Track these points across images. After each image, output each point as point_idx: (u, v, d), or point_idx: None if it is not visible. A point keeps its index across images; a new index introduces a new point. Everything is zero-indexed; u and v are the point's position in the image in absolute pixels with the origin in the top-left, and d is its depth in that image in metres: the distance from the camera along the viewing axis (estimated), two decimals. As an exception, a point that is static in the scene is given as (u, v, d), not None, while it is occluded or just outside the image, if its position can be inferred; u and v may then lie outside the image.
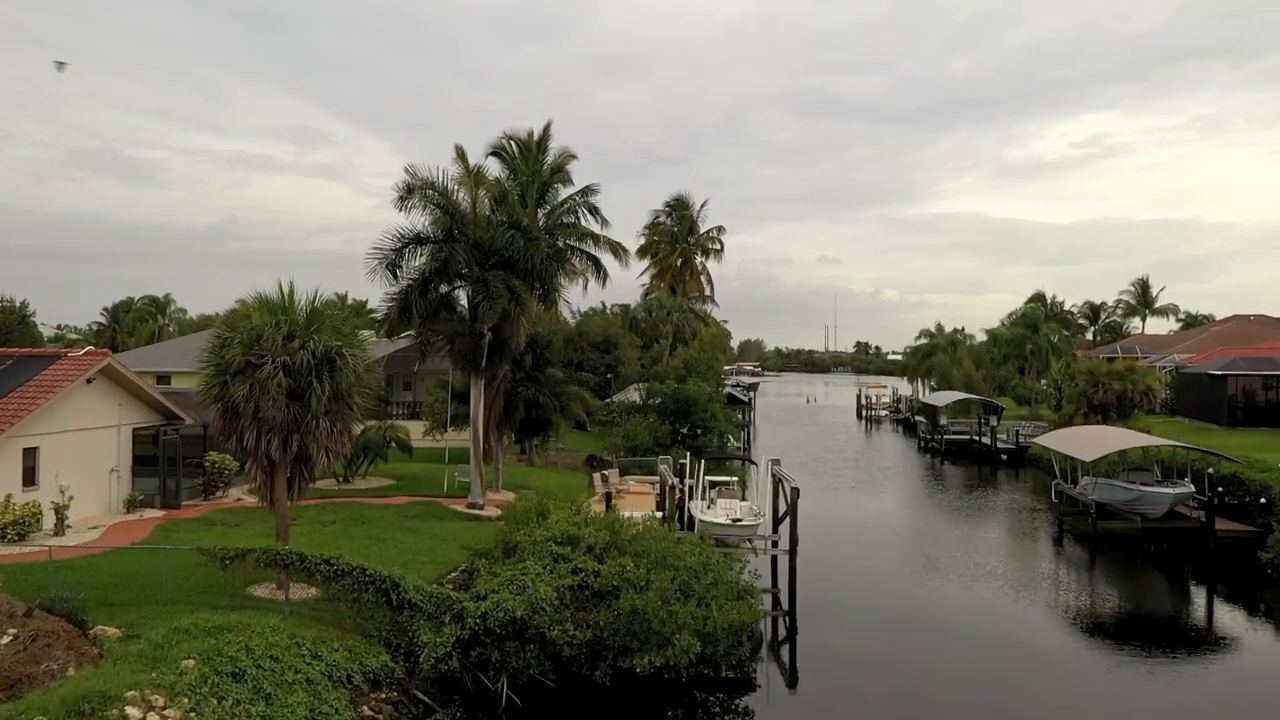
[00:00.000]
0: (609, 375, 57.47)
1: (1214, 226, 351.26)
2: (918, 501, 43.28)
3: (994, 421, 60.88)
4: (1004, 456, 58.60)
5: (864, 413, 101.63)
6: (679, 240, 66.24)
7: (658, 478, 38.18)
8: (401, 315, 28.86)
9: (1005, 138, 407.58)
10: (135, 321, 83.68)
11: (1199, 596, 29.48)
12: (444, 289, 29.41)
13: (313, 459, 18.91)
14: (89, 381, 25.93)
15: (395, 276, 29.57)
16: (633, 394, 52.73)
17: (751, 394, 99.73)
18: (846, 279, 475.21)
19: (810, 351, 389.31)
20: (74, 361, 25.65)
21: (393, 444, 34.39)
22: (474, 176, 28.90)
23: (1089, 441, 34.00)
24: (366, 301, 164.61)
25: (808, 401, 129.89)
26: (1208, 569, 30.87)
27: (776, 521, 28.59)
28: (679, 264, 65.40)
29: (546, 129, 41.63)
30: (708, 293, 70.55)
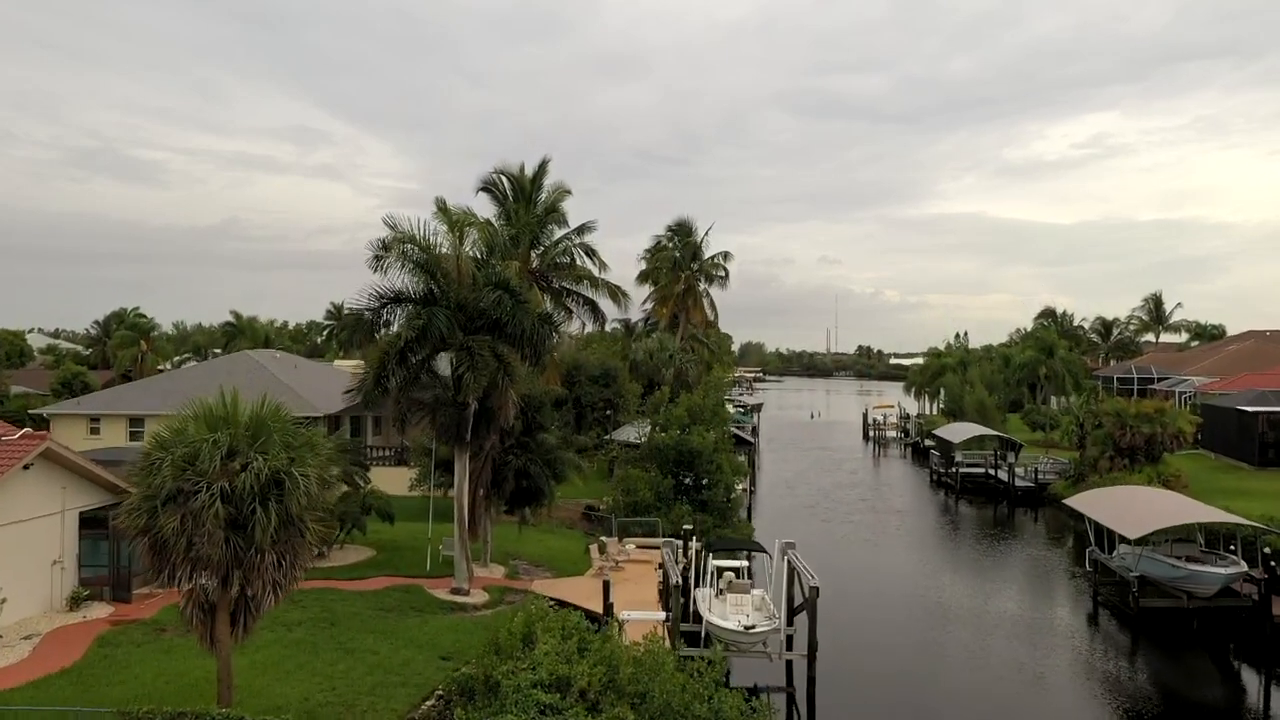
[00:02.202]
0: (608, 411, 54.77)
1: (1215, 227, 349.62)
2: (939, 561, 40.52)
3: (1012, 458, 58.13)
4: (1019, 492, 55.97)
5: (870, 432, 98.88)
6: (682, 266, 63.50)
7: (658, 541, 35.56)
8: (377, 384, 26.11)
9: (1005, 138, 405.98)
10: (119, 345, 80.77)
11: (1254, 687, 26.89)
12: (426, 352, 26.68)
13: (258, 597, 16.18)
14: (26, 468, 23.23)
15: (375, 338, 27.02)
16: (630, 432, 50.04)
17: (755, 415, 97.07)
18: (847, 279, 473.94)
19: (811, 354, 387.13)
20: (8, 447, 22.92)
21: (372, 511, 31.67)
22: (458, 231, 26.16)
23: (1132, 512, 31.17)
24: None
25: (811, 417, 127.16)
26: (1265, 655, 28.17)
27: (792, 613, 25.88)
28: (682, 291, 62.72)
29: (542, 165, 39.07)
30: (711, 318, 67.93)
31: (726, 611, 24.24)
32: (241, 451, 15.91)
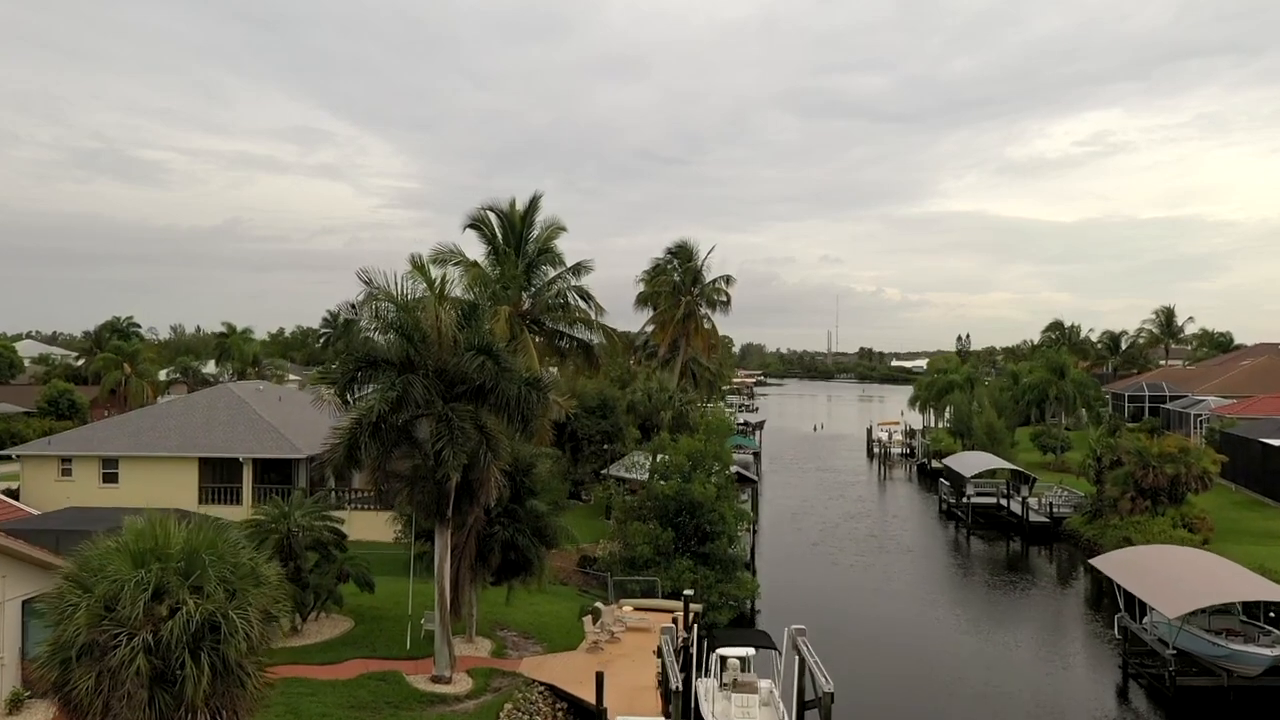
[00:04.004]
0: (605, 446, 52.54)
1: (1216, 225, 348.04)
2: (954, 618, 38.17)
3: (1025, 492, 55.90)
4: (1033, 527, 53.73)
5: (875, 449, 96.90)
6: (682, 291, 61.21)
7: (657, 603, 33.45)
8: (349, 458, 23.88)
9: (1008, 136, 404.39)
10: (103, 366, 78.54)
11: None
12: (402, 419, 24.45)
13: (192, 759, 13.98)
14: (-43, 560, 21.06)
15: (348, 404, 24.81)
16: (626, 468, 47.89)
17: (758, 434, 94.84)
18: (848, 278, 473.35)
19: (813, 355, 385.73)
20: (-65, 540, 20.73)
21: (349, 578, 29.47)
22: (437, 291, 23.96)
23: (1169, 581, 28.81)
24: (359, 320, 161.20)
25: (814, 430, 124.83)
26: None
27: (803, 707, 23.68)
28: (682, 318, 60.43)
29: (533, 201, 36.68)
30: (713, 342, 65.68)
31: (731, 713, 22.05)
32: (171, 591, 13.74)
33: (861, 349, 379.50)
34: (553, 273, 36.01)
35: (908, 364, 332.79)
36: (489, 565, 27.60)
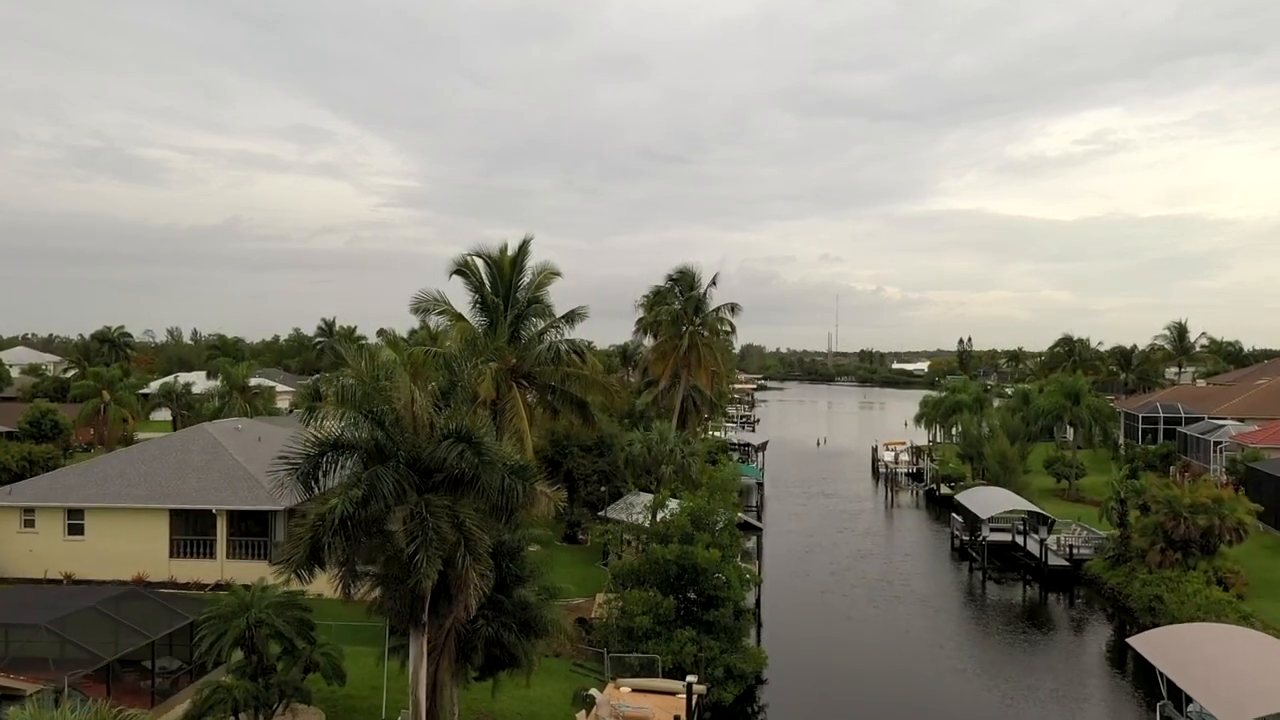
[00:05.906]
0: (602, 487, 49.93)
1: (1216, 224, 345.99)
2: (981, 688, 35.66)
3: (1044, 534, 53.29)
4: (1051, 570, 51.13)
5: (880, 469, 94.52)
6: (683, 321, 58.55)
7: (658, 683, 30.94)
8: (311, 557, 21.29)
9: (1008, 134, 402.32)
10: (81, 393, 75.92)
11: None
12: (371, 512, 21.85)
13: None
14: None
15: (311, 490, 22.24)
16: (625, 511, 45.32)
17: (760, 458, 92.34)
18: (848, 276, 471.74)
19: (813, 356, 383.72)
20: None
21: (318, 669, 26.82)
22: (410, 369, 21.36)
23: (1223, 674, 26.06)
24: (355, 328, 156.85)
25: (817, 444, 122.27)
26: None
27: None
28: (684, 349, 57.78)
29: (523, 247, 34.03)
30: (714, 369, 63.02)
31: None
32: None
33: (862, 351, 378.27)
34: (542, 324, 33.51)
35: (909, 365, 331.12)
36: (472, 663, 24.97)
